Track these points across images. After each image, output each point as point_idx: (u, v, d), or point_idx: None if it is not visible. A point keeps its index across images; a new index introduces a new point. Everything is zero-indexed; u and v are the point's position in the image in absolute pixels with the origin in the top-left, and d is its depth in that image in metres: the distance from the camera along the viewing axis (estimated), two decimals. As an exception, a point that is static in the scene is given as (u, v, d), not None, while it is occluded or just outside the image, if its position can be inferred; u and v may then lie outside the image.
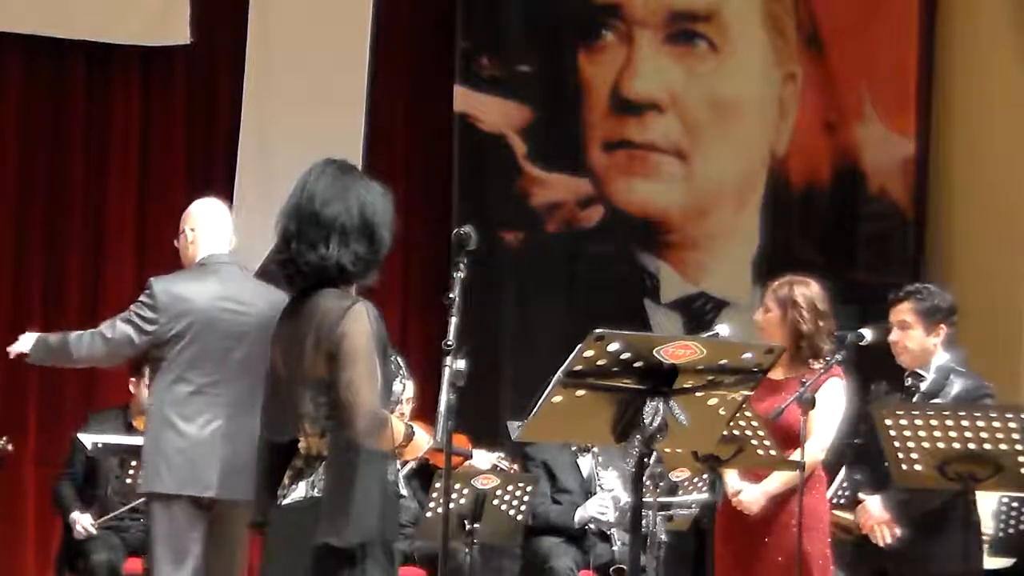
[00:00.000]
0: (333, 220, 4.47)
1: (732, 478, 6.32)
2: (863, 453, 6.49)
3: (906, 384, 6.40)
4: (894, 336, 6.41)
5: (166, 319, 6.17)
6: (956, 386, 6.27)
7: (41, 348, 6.32)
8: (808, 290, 6.37)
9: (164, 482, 6.14)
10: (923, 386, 6.33)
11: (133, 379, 8.36)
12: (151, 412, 6.24)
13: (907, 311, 6.40)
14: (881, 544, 6.36)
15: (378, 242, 4.51)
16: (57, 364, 6.49)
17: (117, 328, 6.20)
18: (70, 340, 6.27)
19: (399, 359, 4.62)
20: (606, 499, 8.23)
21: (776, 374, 6.22)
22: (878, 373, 6.67)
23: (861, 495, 6.54)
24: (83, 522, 8.22)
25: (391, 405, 4.49)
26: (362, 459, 4.34)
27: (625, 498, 8.03)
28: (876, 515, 6.34)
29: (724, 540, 6.35)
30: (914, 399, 6.32)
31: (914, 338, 6.38)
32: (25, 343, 6.33)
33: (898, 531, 6.30)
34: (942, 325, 6.38)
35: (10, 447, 8.15)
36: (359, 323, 4.39)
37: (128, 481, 7.66)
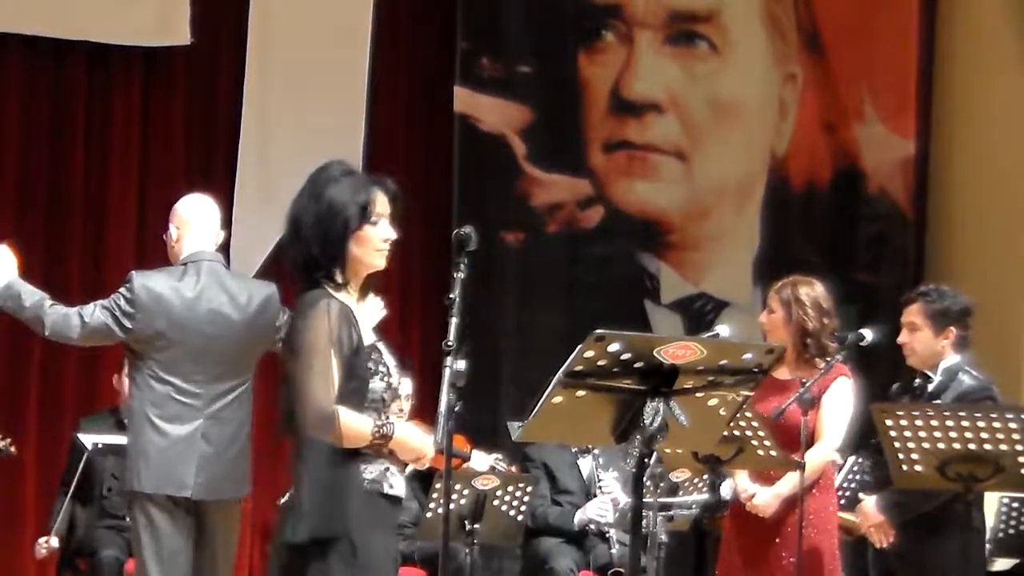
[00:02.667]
0: (295, 220, 4.54)
1: (744, 480, 6.32)
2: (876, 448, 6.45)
3: (914, 385, 6.38)
4: (903, 337, 6.38)
5: (145, 318, 6.16)
6: (960, 387, 6.25)
7: (12, 296, 6.12)
8: (812, 289, 6.37)
9: (142, 481, 6.15)
10: (930, 387, 6.31)
11: (116, 375, 8.31)
12: (132, 410, 6.25)
13: (916, 313, 6.37)
14: (877, 546, 6.36)
15: (333, 235, 4.50)
16: (18, 318, 6.22)
17: (95, 315, 6.16)
18: (45, 309, 6.11)
19: (387, 358, 4.59)
20: (606, 502, 8.22)
21: (783, 374, 6.24)
22: (899, 372, 6.62)
23: (862, 495, 6.54)
24: (46, 546, 8.13)
25: (367, 407, 4.48)
26: (314, 454, 4.37)
27: (625, 499, 8.03)
28: (871, 517, 6.33)
29: (734, 540, 6.35)
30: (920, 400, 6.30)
31: (922, 340, 6.35)
32: (3, 261, 6.15)
33: (893, 534, 6.30)
34: (952, 328, 6.34)
35: (13, 449, 8.11)
36: (318, 320, 4.43)
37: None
